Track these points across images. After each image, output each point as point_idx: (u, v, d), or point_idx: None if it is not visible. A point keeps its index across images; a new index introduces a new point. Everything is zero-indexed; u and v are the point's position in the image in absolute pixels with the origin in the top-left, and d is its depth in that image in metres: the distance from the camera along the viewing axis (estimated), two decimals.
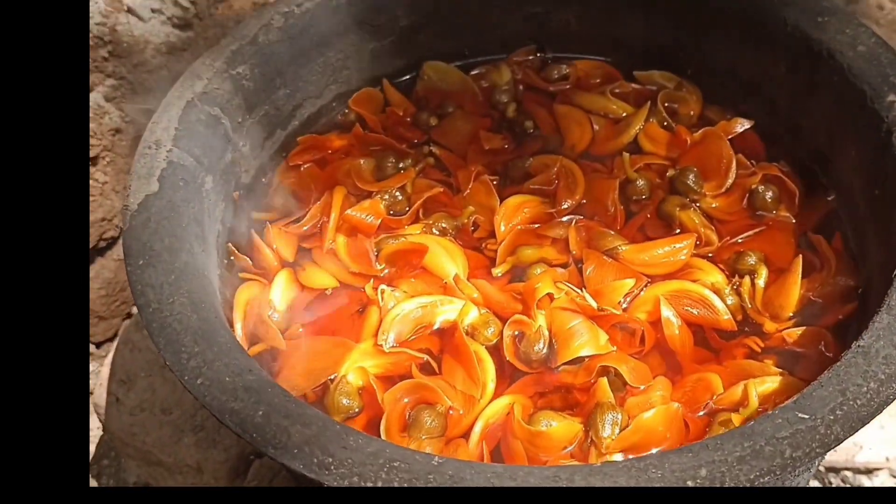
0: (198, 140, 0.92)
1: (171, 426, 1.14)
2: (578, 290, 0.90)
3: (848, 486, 1.13)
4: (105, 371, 1.21)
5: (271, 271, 0.96)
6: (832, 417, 0.66)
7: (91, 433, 1.31)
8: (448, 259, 0.94)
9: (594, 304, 0.89)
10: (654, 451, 0.80)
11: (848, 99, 0.94)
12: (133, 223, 0.82)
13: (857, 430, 0.66)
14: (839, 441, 0.66)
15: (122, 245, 0.82)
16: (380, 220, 0.98)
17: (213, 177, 0.93)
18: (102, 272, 1.44)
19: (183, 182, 0.87)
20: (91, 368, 1.42)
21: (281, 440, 0.67)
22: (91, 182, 1.39)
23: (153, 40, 1.44)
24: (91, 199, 1.37)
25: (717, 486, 0.63)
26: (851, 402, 0.67)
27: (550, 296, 0.90)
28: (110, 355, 1.21)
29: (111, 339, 1.48)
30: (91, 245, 1.40)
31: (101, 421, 1.20)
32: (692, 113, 1.10)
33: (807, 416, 0.66)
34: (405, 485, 0.64)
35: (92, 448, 1.34)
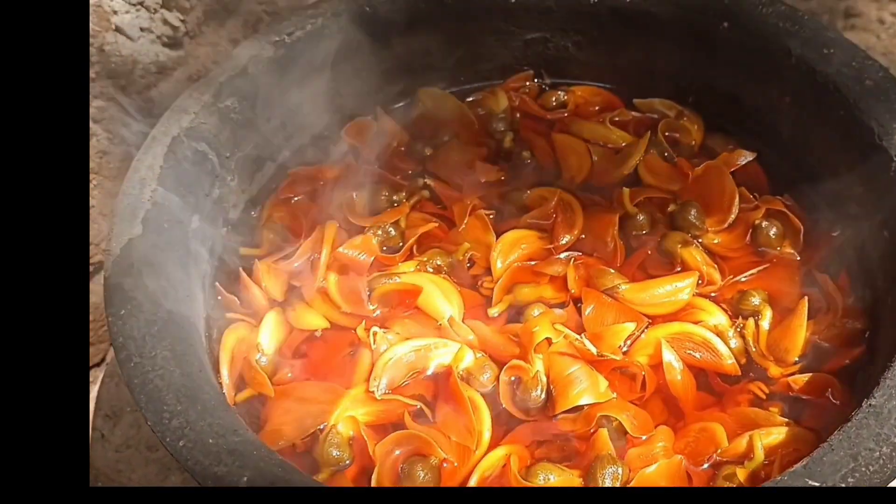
0: (184, 178, 0.89)
1: (157, 464, 1.11)
2: (577, 336, 0.87)
3: None
4: (90, 404, 1.18)
5: (260, 311, 0.92)
6: (843, 486, 0.63)
7: None
8: (443, 299, 0.91)
9: (594, 350, 0.86)
10: None
11: (855, 134, 0.91)
12: (115, 269, 0.79)
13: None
14: None
15: (104, 292, 0.79)
16: (372, 258, 0.95)
17: (199, 215, 0.90)
18: (90, 297, 1.40)
19: (168, 224, 0.84)
20: None
21: None
22: None
23: (142, 60, 1.40)
24: None
25: None
26: (864, 469, 0.64)
27: (549, 340, 0.87)
28: (96, 388, 1.18)
29: (98, 365, 1.45)
30: None
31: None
32: (693, 143, 1.07)
33: (817, 484, 0.63)
34: None
35: None
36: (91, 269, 1.39)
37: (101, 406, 1.14)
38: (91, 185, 1.37)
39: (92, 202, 1.37)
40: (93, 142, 1.35)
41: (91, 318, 1.41)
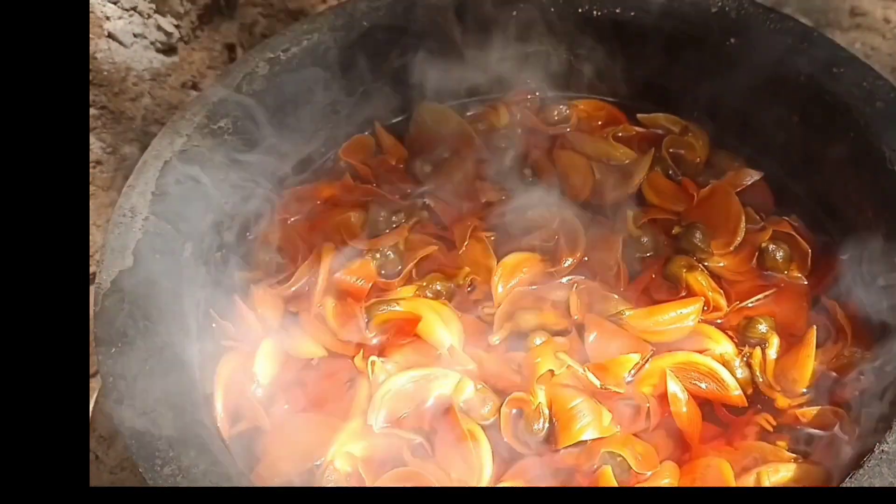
0: (176, 205, 0.86)
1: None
2: (580, 367, 0.85)
3: None
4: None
5: (255, 338, 0.90)
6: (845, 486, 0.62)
7: None
8: (443, 327, 0.89)
9: (597, 382, 0.84)
10: None
11: (865, 158, 0.89)
12: (105, 304, 0.77)
13: None
14: None
15: (93, 328, 0.76)
16: (371, 284, 0.93)
17: (192, 243, 0.87)
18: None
19: (160, 255, 0.82)
20: None
21: None
22: None
23: (135, 67, 1.38)
24: None
25: None
26: None
27: (551, 371, 0.85)
28: (90, 408, 1.17)
29: (92, 376, 1.44)
30: None
31: None
32: (698, 160, 1.05)
33: None
34: None
35: None
36: None
37: (95, 427, 1.12)
38: None
39: None
40: None
41: None
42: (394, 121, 1.10)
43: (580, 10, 1.04)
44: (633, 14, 1.03)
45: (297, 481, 0.81)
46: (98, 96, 1.34)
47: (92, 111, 1.34)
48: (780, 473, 0.78)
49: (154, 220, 0.84)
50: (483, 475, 0.80)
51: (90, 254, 1.37)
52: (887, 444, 0.67)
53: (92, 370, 1.42)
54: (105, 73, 1.34)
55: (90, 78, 1.31)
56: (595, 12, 1.04)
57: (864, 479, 0.65)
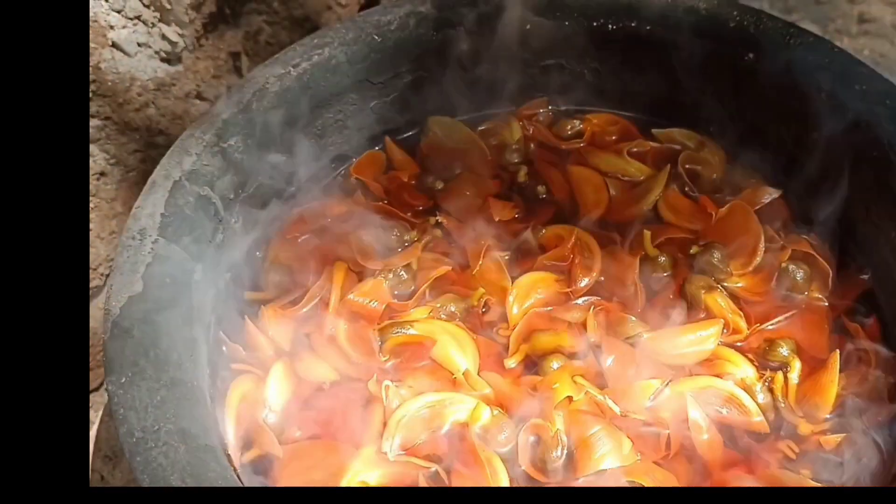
0: (186, 226, 0.85)
1: None
2: (599, 394, 0.83)
3: None
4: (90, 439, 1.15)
5: (266, 362, 0.89)
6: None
7: None
8: (458, 350, 0.88)
9: (617, 409, 0.82)
10: None
11: (889, 177, 0.87)
12: (115, 332, 0.75)
13: None
14: None
15: (104, 357, 0.75)
16: (384, 306, 0.91)
17: (202, 265, 0.86)
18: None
19: (170, 279, 0.80)
20: None
21: None
22: None
23: (140, 76, 1.36)
24: None
25: None
26: None
27: (569, 397, 0.83)
28: (94, 427, 1.15)
29: (96, 390, 1.42)
30: None
31: None
32: (715, 176, 1.03)
33: None
34: None
35: None
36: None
37: (100, 447, 1.11)
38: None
39: (90, 226, 1.34)
40: (89, 163, 1.31)
41: (89, 342, 1.38)
42: (405, 135, 1.08)
43: (595, 24, 1.03)
44: (648, 28, 1.01)
45: None
46: (102, 107, 1.32)
47: (96, 122, 1.31)
48: None
49: (163, 243, 0.82)
50: None
51: (94, 266, 1.35)
52: None
53: (94, 384, 1.41)
54: (109, 83, 1.32)
55: (94, 89, 1.29)
56: (610, 26, 1.02)
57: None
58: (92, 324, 1.37)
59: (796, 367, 0.87)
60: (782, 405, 0.85)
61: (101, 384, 1.42)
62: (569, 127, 1.09)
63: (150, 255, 0.81)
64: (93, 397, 1.42)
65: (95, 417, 1.23)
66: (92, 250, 1.35)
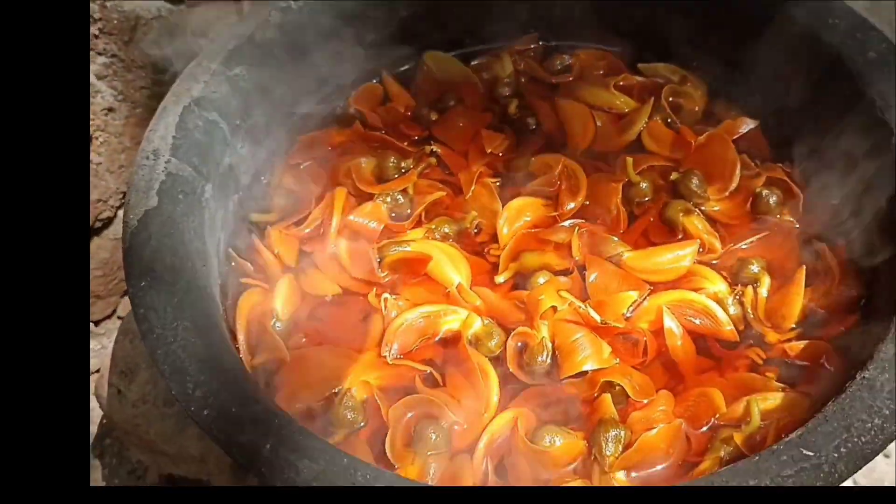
0: (196, 148, 0.90)
1: (173, 418, 1.14)
2: (582, 304, 0.89)
3: None
4: (107, 359, 1.20)
5: (273, 277, 0.94)
6: (836, 455, 0.67)
7: (94, 413, 1.31)
8: (451, 267, 0.93)
9: (597, 318, 0.88)
10: (658, 467, 0.81)
11: (857, 106, 0.92)
12: (133, 242, 0.80)
13: (860, 468, 0.67)
14: (843, 479, 0.66)
15: (123, 264, 0.80)
16: (382, 226, 0.96)
17: (212, 184, 0.91)
18: (99, 252, 1.42)
19: (182, 194, 0.85)
20: (91, 346, 1.42)
21: (289, 476, 0.67)
22: None
23: (145, 15, 1.39)
24: None
25: None
26: (856, 440, 0.67)
27: (554, 307, 0.89)
28: (111, 342, 1.21)
29: (109, 317, 1.48)
30: None
31: (102, 410, 1.20)
32: (697, 108, 1.08)
33: (811, 454, 0.66)
34: None
35: (95, 429, 1.34)
36: (100, 224, 1.40)
37: (116, 363, 1.16)
38: (97, 142, 1.37)
39: (99, 159, 1.38)
40: (97, 99, 1.35)
41: (101, 272, 1.43)
42: (401, 69, 1.13)
43: None
44: None
45: (316, 408, 0.85)
46: (108, 45, 1.35)
47: (103, 59, 1.35)
48: (768, 401, 0.82)
49: (176, 163, 0.87)
50: (491, 403, 0.84)
51: (104, 199, 1.40)
52: (868, 370, 0.72)
53: (100, 315, 1.47)
54: (115, 21, 1.35)
55: (101, 27, 1.33)
56: None
57: (846, 402, 0.70)
58: (104, 254, 1.42)
59: (766, 282, 0.92)
60: (751, 317, 0.91)
61: (114, 311, 1.48)
62: (558, 62, 1.13)
63: (164, 174, 0.85)
64: (106, 324, 1.48)
65: (109, 343, 1.28)
66: (101, 183, 1.39)
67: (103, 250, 1.42)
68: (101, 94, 1.36)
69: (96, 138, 1.36)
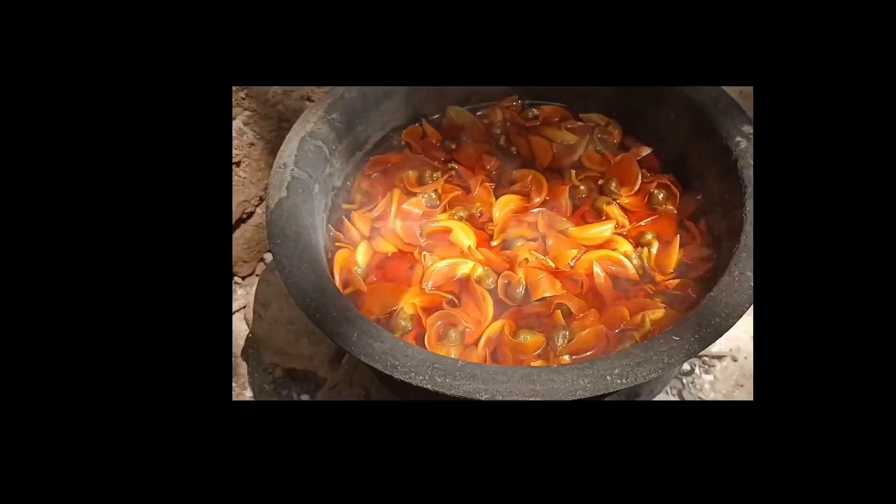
0: (309, 162, 0.95)
1: (294, 332, 1.20)
2: (543, 256, 0.94)
3: (703, 369, 1.17)
4: (251, 298, 1.26)
5: (355, 241, 0.99)
6: (693, 339, 0.72)
7: (244, 330, 1.36)
8: (464, 235, 0.98)
9: (553, 265, 0.93)
10: (588, 353, 0.86)
11: (712, 138, 0.96)
12: (272, 217, 0.86)
13: (707, 346, 0.72)
14: (696, 353, 0.72)
15: (267, 230, 0.86)
16: (422, 212, 1.01)
17: (318, 185, 0.96)
18: (245, 233, 1.48)
19: (301, 189, 0.91)
20: (240, 293, 1.47)
21: (368, 351, 0.73)
22: (235, 178, 1.41)
23: (272, 86, 1.44)
24: (235, 188, 1.41)
25: (627, 381, 0.68)
26: (705, 330, 0.73)
27: (526, 260, 0.94)
28: (254, 288, 1.26)
29: (251, 274, 1.53)
30: (237, 217, 1.43)
31: (248, 328, 1.26)
32: (615, 141, 1.12)
33: (678, 338, 0.72)
34: (440, 377, 0.70)
35: (243, 342, 1.40)
36: (245, 216, 1.46)
37: (257, 299, 1.22)
38: (244, 164, 1.43)
39: (245, 175, 1.44)
40: (243, 137, 1.40)
41: (247, 246, 1.49)
42: (434, 117, 1.17)
43: None
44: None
45: (382, 319, 0.90)
46: (251, 104, 1.41)
47: (247, 112, 1.41)
48: (656, 314, 0.87)
49: (297, 171, 0.92)
50: (488, 316, 0.89)
51: (248, 199, 1.45)
52: (713, 292, 0.77)
53: (245, 273, 1.51)
54: (255, 87, 1.41)
55: (246, 93, 1.38)
56: None
57: (700, 310, 0.75)
58: (248, 234, 1.48)
59: (655, 245, 0.96)
60: (647, 266, 0.95)
61: (254, 271, 1.53)
62: (530, 113, 1.17)
63: (290, 176, 0.91)
64: (249, 278, 1.53)
65: (252, 289, 1.33)
66: (246, 190, 1.44)
67: (248, 232, 1.48)
68: (246, 135, 1.41)
69: (243, 162, 1.42)
